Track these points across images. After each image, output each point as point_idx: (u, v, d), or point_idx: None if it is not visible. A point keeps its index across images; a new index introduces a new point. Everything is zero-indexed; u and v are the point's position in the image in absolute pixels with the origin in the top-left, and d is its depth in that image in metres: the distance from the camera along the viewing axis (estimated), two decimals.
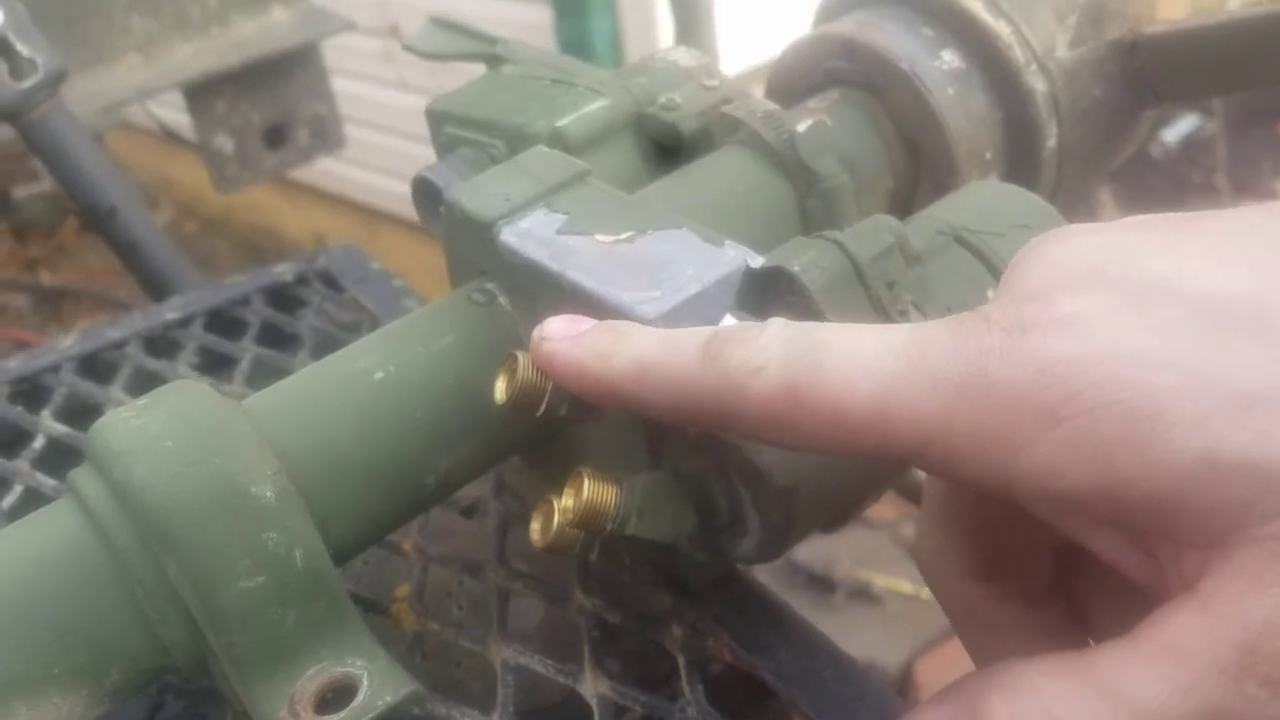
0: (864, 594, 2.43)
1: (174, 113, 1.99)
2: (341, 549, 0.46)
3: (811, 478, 0.43)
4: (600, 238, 0.48)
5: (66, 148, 1.20)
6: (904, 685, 2.19)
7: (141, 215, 1.22)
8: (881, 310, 0.45)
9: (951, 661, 2.27)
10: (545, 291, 0.48)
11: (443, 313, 0.52)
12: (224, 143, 1.70)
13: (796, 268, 0.44)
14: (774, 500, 0.43)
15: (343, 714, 0.41)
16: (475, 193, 0.52)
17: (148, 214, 1.25)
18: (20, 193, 4.38)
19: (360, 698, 0.42)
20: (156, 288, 1.17)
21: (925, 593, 2.43)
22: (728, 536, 0.46)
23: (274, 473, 0.43)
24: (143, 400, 0.46)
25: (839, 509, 0.47)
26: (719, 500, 0.45)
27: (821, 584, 2.43)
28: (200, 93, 1.66)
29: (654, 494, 0.44)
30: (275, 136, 1.74)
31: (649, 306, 0.44)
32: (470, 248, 0.52)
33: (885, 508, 2.79)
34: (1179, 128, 3.84)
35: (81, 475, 0.44)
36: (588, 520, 0.43)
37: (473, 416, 0.49)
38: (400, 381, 0.49)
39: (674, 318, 0.44)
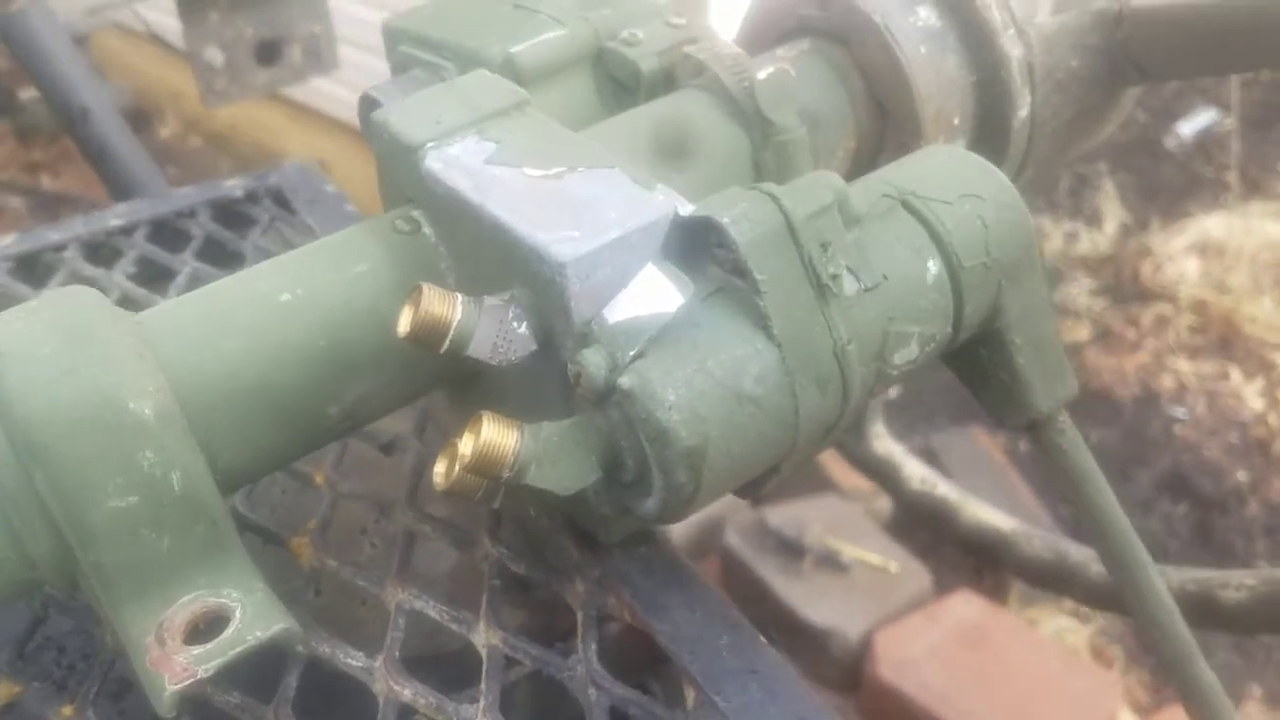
0: (832, 562, 2.43)
1: (163, 15, 1.94)
2: (230, 475, 0.44)
3: (720, 440, 0.41)
4: (528, 171, 0.46)
5: (42, 45, 1.17)
6: (862, 653, 2.20)
7: (114, 120, 1.19)
8: (812, 272, 0.42)
9: (911, 634, 2.28)
10: (467, 224, 0.46)
11: (363, 238, 0.49)
12: (214, 55, 1.66)
13: (726, 219, 0.42)
14: (679, 459, 0.41)
15: (209, 646, 0.40)
16: (406, 114, 0.49)
17: (121, 120, 1.22)
18: (25, 94, 4.33)
19: (230, 630, 0.40)
20: (124, 194, 1.15)
21: (893, 565, 2.44)
22: (633, 494, 0.44)
23: (156, 389, 0.41)
24: (32, 302, 0.44)
25: (747, 476, 0.45)
26: (626, 456, 0.43)
27: (791, 549, 2.43)
28: (193, 1, 1.62)
29: (557, 443, 0.42)
30: (267, 53, 1.70)
31: (565, 247, 0.42)
32: (398, 171, 0.50)
33: (860, 479, 2.78)
34: (1196, 121, 3.78)
35: None
36: (483, 465, 0.41)
37: (382, 349, 0.47)
38: (307, 306, 0.46)
39: (591, 261, 0.42)
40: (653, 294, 0.42)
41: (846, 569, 2.43)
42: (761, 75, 0.54)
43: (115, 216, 0.77)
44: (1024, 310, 0.47)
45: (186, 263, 0.72)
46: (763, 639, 0.46)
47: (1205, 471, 2.82)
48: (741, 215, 0.42)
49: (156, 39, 1.90)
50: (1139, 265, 3.41)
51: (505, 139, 0.48)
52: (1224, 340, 3.23)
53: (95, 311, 0.43)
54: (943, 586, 2.45)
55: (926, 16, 0.56)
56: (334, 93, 3.52)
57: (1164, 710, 2.34)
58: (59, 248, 0.75)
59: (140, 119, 4.10)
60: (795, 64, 0.56)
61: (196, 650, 0.40)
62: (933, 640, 2.30)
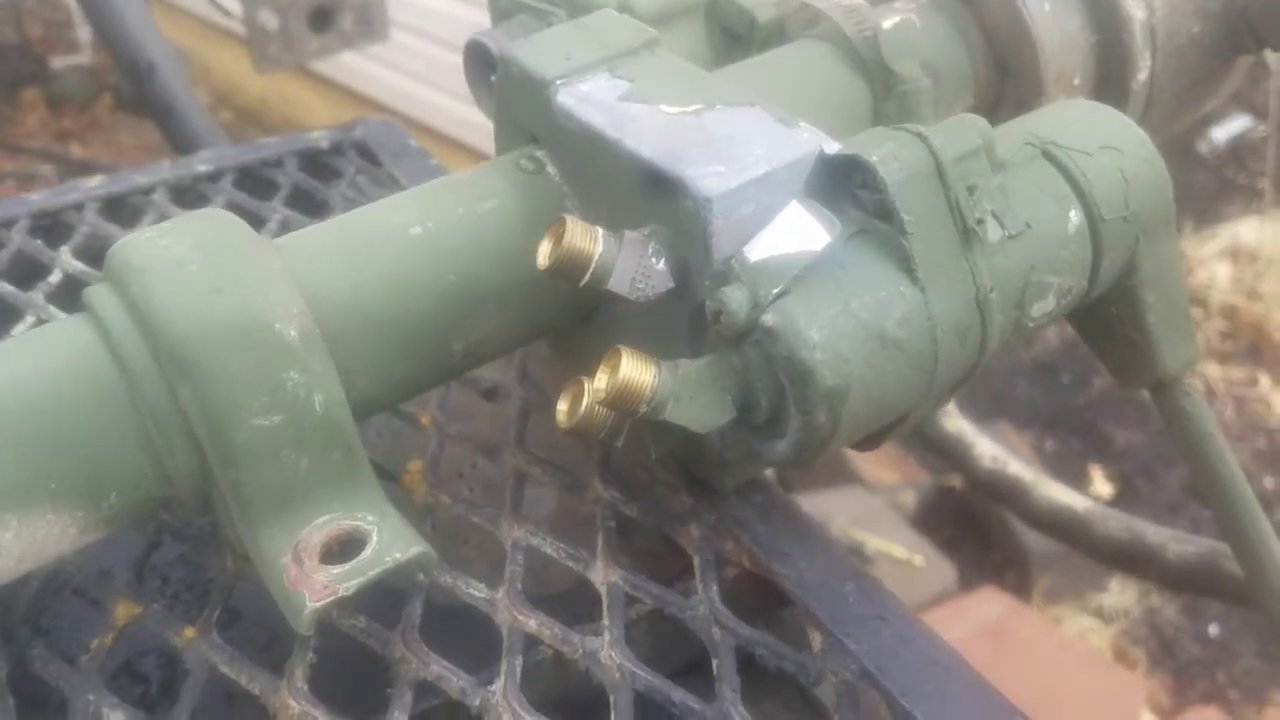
0: (856, 554, 2.42)
1: None
2: (361, 405, 0.44)
3: (861, 383, 0.41)
4: (665, 108, 0.45)
5: (112, 1, 1.17)
6: None
7: (180, 77, 1.19)
8: (959, 215, 0.42)
9: (935, 627, 2.28)
10: (600, 160, 0.45)
11: (488, 176, 0.49)
12: (269, 19, 1.66)
13: (875, 158, 0.41)
14: (820, 400, 0.40)
15: (348, 566, 0.40)
16: (535, 50, 0.49)
17: (187, 78, 1.22)
18: (58, 63, 4.34)
19: (368, 551, 0.40)
20: (188, 151, 1.15)
21: (917, 559, 2.43)
22: (763, 436, 0.44)
23: (299, 312, 0.41)
24: (169, 223, 0.44)
25: (880, 422, 0.44)
26: (760, 397, 0.42)
27: None
28: None
29: (694, 380, 0.42)
30: (321, 19, 1.70)
31: (709, 183, 0.42)
32: (523, 109, 0.49)
33: (887, 472, 2.78)
34: (1230, 127, 3.76)
35: (98, 291, 0.42)
36: (622, 399, 0.41)
37: (508, 286, 0.47)
38: (437, 240, 0.46)
39: (736, 197, 0.42)
40: (797, 232, 0.42)
41: (871, 561, 2.43)
42: (886, 25, 0.53)
43: (201, 163, 0.77)
44: (1158, 268, 0.47)
45: (276, 210, 0.72)
46: (889, 590, 0.45)
47: None
48: (890, 155, 0.41)
49: (212, 2, 1.90)
50: None
51: (638, 76, 0.47)
52: (1254, 346, 3.21)
53: (237, 233, 0.43)
54: (966, 582, 2.45)
55: None
56: (363, 69, 3.52)
57: (1186, 713, 2.33)
58: (147, 190, 0.75)
59: None
60: (917, 15, 0.55)
61: (336, 570, 0.40)
62: (956, 636, 2.29)
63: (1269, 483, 2.87)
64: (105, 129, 4.31)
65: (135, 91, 1.19)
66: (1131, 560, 0.77)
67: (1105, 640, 2.53)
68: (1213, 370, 3.15)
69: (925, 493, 2.73)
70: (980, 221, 0.42)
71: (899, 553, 2.49)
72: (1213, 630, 2.52)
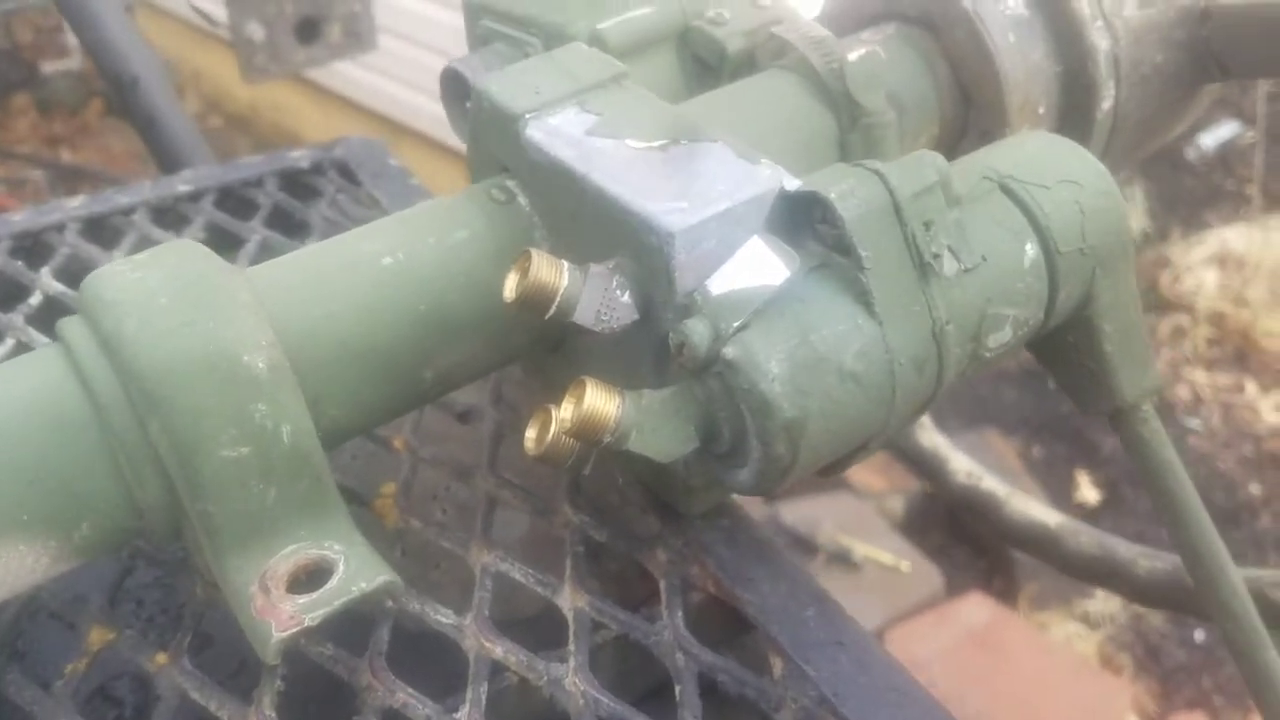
0: (844, 560, 2.44)
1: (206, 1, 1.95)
2: (331, 433, 0.45)
3: (819, 415, 0.42)
4: (631, 142, 0.46)
5: (95, 12, 1.17)
6: None
7: (164, 89, 1.19)
8: (915, 249, 0.43)
9: (921, 635, 2.29)
10: (568, 193, 0.46)
11: (459, 206, 0.50)
12: (255, 30, 1.66)
13: (833, 195, 0.42)
14: (779, 431, 0.41)
15: (314, 595, 0.40)
16: (506, 83, 0.50)
17: (171, 90, 1.23)
18: (48, 68, 4.34)
19: (334, 581, 0.41)
20: (172, 165, 1.15)
21: (904, 565, 2.44)
22: (726, 465, 0.45)
23: (268, 344, 0.42)
24: (142, 255, 0.44)
25: (839, 452, 0.45)
26: (722, 426, 0.43)
27: (803, 546, 2.44)
28: None
29: (657, 411, 0.42)
30: (307, 30, 1.70)
31: (673, 218, 0.42)
32: (494, 141, 0.50)
33: (875, 478, 2.79)
34: (1218, 133, 3.78)
35: (71, 324, 0.43)
36: (586, 430, 0.42)
37: (478, 314, 0.48)
38: (408, 270, 0.47)
39: (698, 233, 0.42)
40: (758, 266, 0.43)
41: (858, 567, 2.44)
42: (852, 57, 0.54)
43: (183, 183, 0.77)
44: (1115, 299, 0.48)
45: (256, 230, 0.73)
46: (848, 613, 0.46)
47: (1218, 484, 2.82)
48: (848, 191, 0.42)
49: (198, 12, 1.90)
50: (1158, 276, 3.40)
51: (606, 111, 0.48)
52: (1240, 353, 3.23)
53: (208, 266, 0.43)
54: (953, 588, 2.46)
55: (1015, 5, 0.56)
56: (353, 76, 3.53)
57: (1171, 718, 2.34)
58: (127, 211, 0.75)
59: None
60: (884, 47, 0.56)
61: (302, 599, 0.40)
62: (943, 641, 2.30)
63: (1255, 489, 2.89)
64: (95, 134, 4.30)
65: (120, 104, 1.19)
66: (1102, 575, 0.78)
67: (1091, 646, 2.54)
68: (1199, 376, 3.17)
69: (913, 499, 2.74)
70: (936, 256, 0.43)
71: (886, 559, 2.50)
72: (1198, 636, 2.53)
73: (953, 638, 2.30)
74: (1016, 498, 0.85)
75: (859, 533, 2.54)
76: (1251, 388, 3.13)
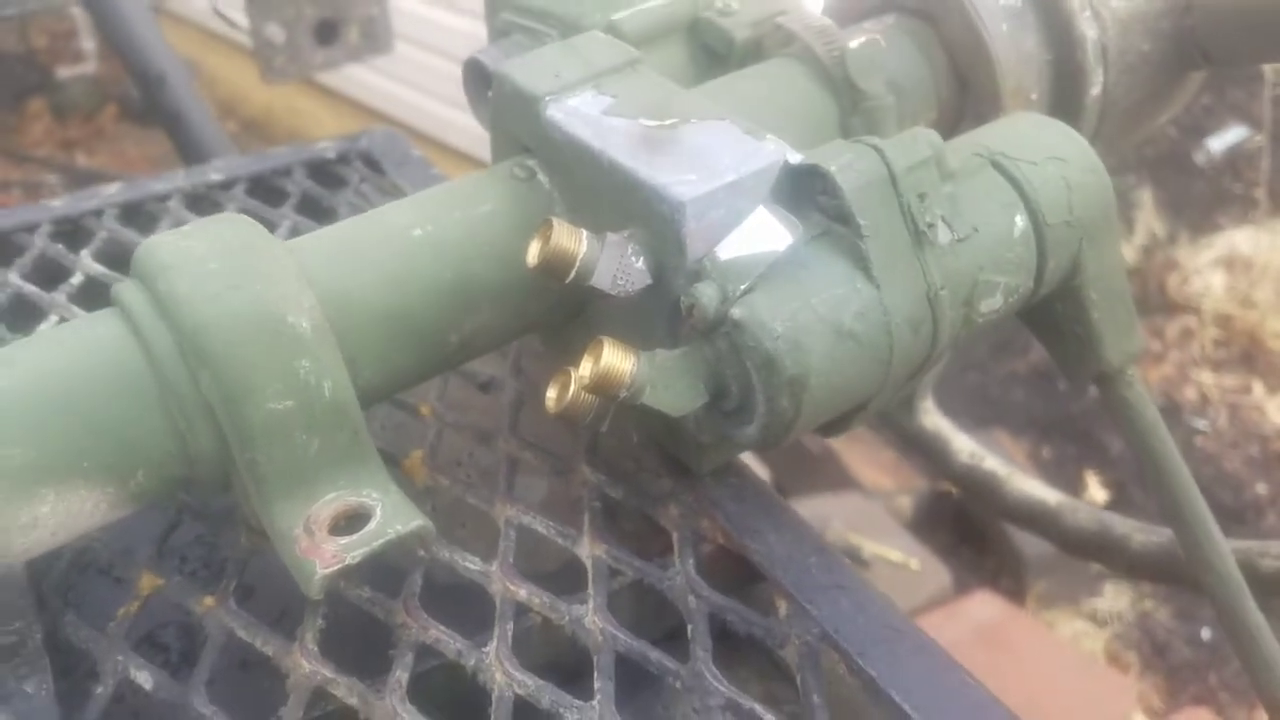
0: (853, 558, 2.45)
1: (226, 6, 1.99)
2: (366, 391, 0.48)
3: (819, 372, 0.45)
4: (644, 121, 0.50)
5: (123, 12, 1.21)
6: None
7: (189, 87, 1.23)
8: (910, 219, 0.46)
9: (930, 630, 2.31)
10: (585, 169, 0.50)
11: (484, 182, 0.53)
12: (275, 32, 1.70)
13: (833, 168, 0.45)
14: (783, 387, 0.44)
15: (354, 537, 0.44)
16: (527, 68, 0.53)
17: (195, 87, 1.26)
18: (64, 73, 4.39)
19: (372, 524, 0.44)
20: (197, 160, 1.19)
21: (913, 563, 2.46)
22: (733, 421, 0.48)
23: (310, 306, 0.45)
24: (191, 225, 0.48)
25: (841, 409, 0.48)
26: (730, 384, 0.47)
27: None
28: None
29: (670, 369, 0.46)
30: (326, 32, 1.74)
31: (683, 189, 0.46)
32: (516, 123, 0.54)
33: (883, 477, 2.82)
34: (1226, 137, 3.80)
35: (126, 287, 0.46)
36: (604, 385, 0.45)
37: (500, 282, 0.51)
38: (436, 241, 0.50)
39: (707, 202, 0.46)
40: (763, 234, 0.46)
41: (867, 565, 2.46)
42: (852, 45, 0.57)
43: (215, 171, 0.81)
44: (1101, 268, 0.51)
45: (286, 216, 0.76)
46: (848, 561, 0.49)
47: (1225, 483, 2.84)
48: (848, 165, 0.45)
49: (219, 14, 1.94)
50: (1165, 278, 3.42)
51: (621, 93, 0.51)
52: (1247, 354, 3.24)
53: (254, 234, 0.47)
54: (961, 586, 2.48)
55: None
56: (366, 80, 3.57)
57: (1178, 715, 2.36)
58: (163, 198, 0.79)
59: None
60: (883, 36, 0.59)
61: (344, 540, 0.44)
62: (951, 639, 2.31)
63: (1261, 489, 2.90)
64: (110, 139, 4.35)
65: (146, 101, 1.23)
66: (1099, 549, 0.81)
67: (1098, 644, 2.55)
68: (1206, 378, 3.18)
69: (921, 498, 2.76)
70: (931, 225, 0.46)
71: (895, 556, 2.52)
72: (1204, 634, 2.54)
73: (960, 635, 2.32)
74: (1017, 477, 0.88)
75: (868, 531, 2.56)
76: (1258, 388, 3.14)
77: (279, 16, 1.70)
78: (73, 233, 0.76)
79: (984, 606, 2.40)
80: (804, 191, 0.47)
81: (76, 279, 0.71)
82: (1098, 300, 0.51)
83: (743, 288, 0.45)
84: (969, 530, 2.67)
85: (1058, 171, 0.49)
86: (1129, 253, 3.47)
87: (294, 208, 0.78)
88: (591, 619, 0.46)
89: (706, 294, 0.45)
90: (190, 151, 1.21)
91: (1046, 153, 0.50)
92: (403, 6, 2.66)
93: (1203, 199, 3.70)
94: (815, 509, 2.52)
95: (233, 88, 4.35)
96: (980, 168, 0.49)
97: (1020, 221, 0.49)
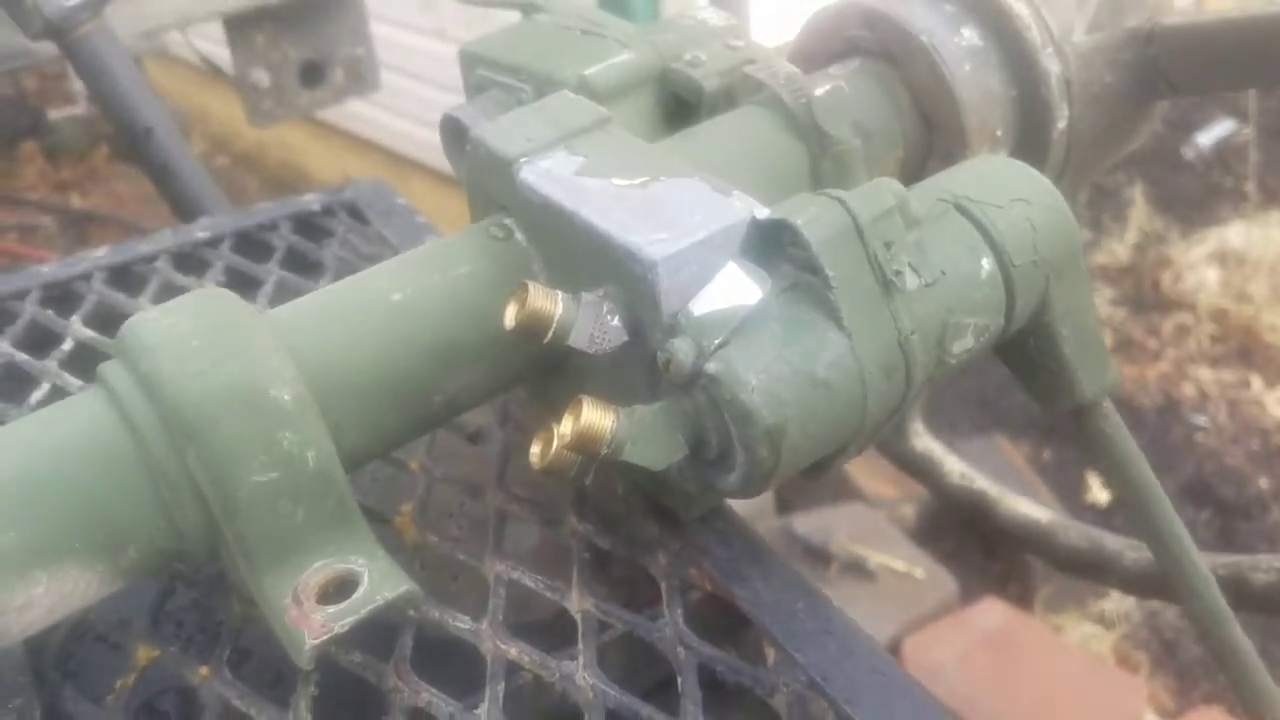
0: (858, 569, 2.46)
1: (213, 46, 2.01)
2: (352, 457, 0.49)
3: (797, 421, 0.45)
4: (616, 181, 0.50)
5: (107, 67, 1.22)
6: None
7: (176, 139, 1.24)
8: (878, 268, 0.47)
9: (938, 641, 2.31)
10: (561, 229, 0.50)
11: (461, 243, 0.54)
12: (260, 77, 1.72)
13: (799, 221, 0.46)
14: (761, 437, 0.45)
15: (343, 605, 0.44)
16: (500, 131, 0.54)
17: (182, 138, 1.28)
18: (55, 114, 4.42)
19: (360, 591, 0.45)
20: (186, 212, 1.20)
21: (918, 572, 2.46)
22: (715, 470, 0.48)
23: (292, 378, 0.46)
24: (172, 303, 0.49)
25: (821, 454, 0.49)
26: (710, 435, 0.47)
27: (817, 556, 2.46)
28: (240, 25, 1.68)
29: (649, 424, 0.46)
30: (311, 74, 1.76)
31: (655, 248, 0.47)
32: (491, 184, 0.55)
33: (886, 486, 2.82)
34: (1214, 132, 3.81)
35: (111, 367, 0.47)
36: (584, 443, 0.46)
37: (481, 342, 0.52)
38: (416, 304, 0.51)
39: (679, 260, 0.47)
40: (734, 289, 0.47)
41: (873, 576, 2.46)
42: (818, 92, 0.58)
43: (201, 229, 0.82)
44: (1069, 304, 0.52)
45: (272, 272, 0.77)
46: (835, 604, 0.50)
47: (1227, 479, 2.84)
48: (813, 218, 0.46)
49: (209, 64, 1.96)
50: (1159, 275, 3.43)
51: (592, 153, 0.52)
52: (1244, 349, 3.25)
53: (233, 309, 0.47)
54: (968, 593, 2.48)
55: (970, 36, 0.60)
56: (358, 112, 3.59)
57: (1189, 713, 2.35)
58: (150, 259, 0.80)
59: None
60: (848, 81, 0.61)
61: (332, 609, 0.44)
62: (960, 647, 2.32)
63: (1264, 483, 2.90)
64: (103, 179, 4.37)
65: (133, 154, 1.24)
66: (1091, 567, 0.82)
67: (1107, 646, 2.55)
68: (1204, 374, 3.19)
69: (925, 506, 2.76)
70: (898, 273, 0.47)
71: (900, 566, 2.52)
72: None
73: (969, 643, 2.32)
74: (1008, 497, 0.89)
75: (872, 541, 2.56)
76: (1257, 382, 3.15)
77: (264, 61, 1.72)
78: (62, 298, 0.77)
79: (991, 613, 2.40)
80: (773, 244, 0.48)
81: (67, 345, 0.72)
82: (1068, 335, 0.52)
83: (717, 342, 0.46)
84: (974, 537, 2.67)
85: (1022, 213, 0.50)
86: (1122, 251, 3.49)
87: (279, 263, 0.79)
88: (582, 675, 0.47)
89: (682, 349, 0.46)
90: (179, 203, 1.22)
91: (1010, 195, 0.51)
92: (390, 37, 2.68)
93: (1193, 194, 3.72)
94: (819, 521, 2.53)
95: (224, 123, 4.37)
96: (944, 212, 0.50)
97: (986, 264, 0.49)
